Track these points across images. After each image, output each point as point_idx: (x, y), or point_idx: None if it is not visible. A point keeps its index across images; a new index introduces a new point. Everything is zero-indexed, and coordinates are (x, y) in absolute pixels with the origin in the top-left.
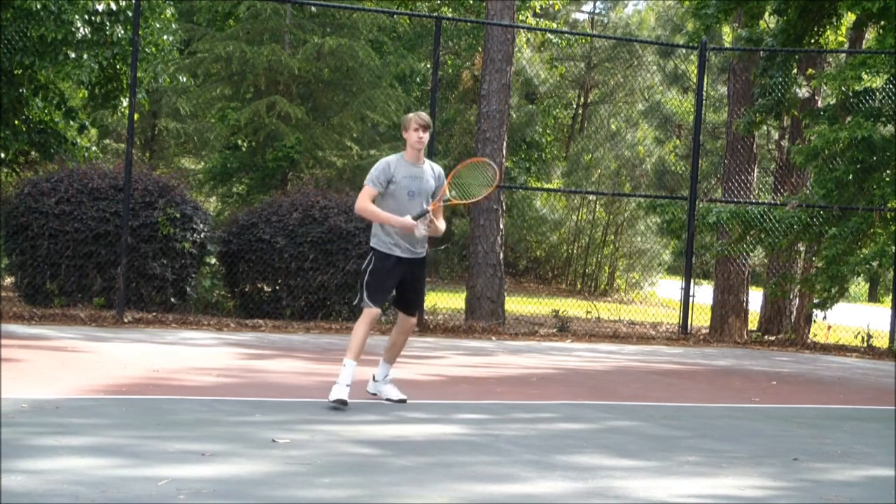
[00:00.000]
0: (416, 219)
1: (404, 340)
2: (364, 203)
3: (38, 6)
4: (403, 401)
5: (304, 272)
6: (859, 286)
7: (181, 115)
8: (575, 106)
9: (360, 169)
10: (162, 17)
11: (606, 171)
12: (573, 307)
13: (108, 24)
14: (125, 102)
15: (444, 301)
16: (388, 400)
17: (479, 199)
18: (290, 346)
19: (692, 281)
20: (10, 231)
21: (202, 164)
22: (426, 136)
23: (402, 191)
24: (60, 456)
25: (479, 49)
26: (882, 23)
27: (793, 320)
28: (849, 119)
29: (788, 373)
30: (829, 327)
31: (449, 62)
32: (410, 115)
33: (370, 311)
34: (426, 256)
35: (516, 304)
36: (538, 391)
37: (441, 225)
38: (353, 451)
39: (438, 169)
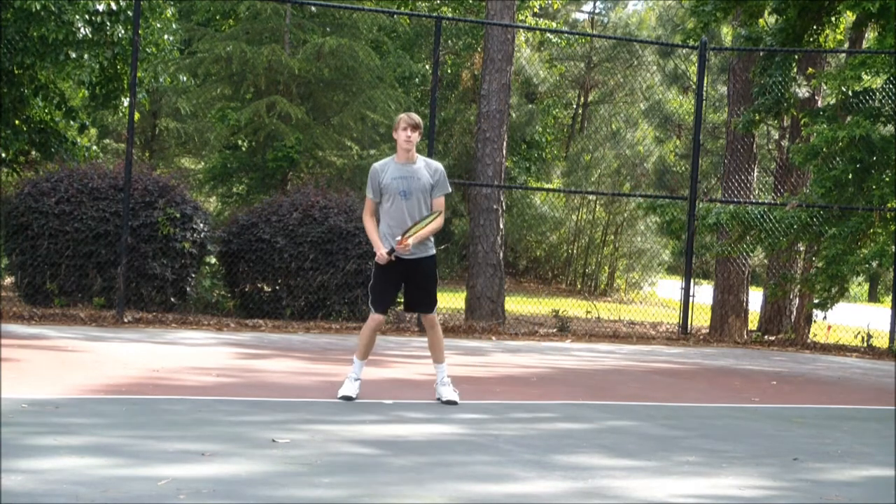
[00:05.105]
0: (389, 253)
1: (434, 337)
2: (364, 217)
3: (39, 6)
4: (453, 403)
5: (304, 272)
6: (859, 286)
7: (181, 115)
8: (575, 106)
9: (360, 169)
10: (162, 17)
11: (606, 171)
12: (573, 307)
13: (108, 24)
14: (125, 102)
15: (444, 301)
16: (438, 400)
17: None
18: (289, 346)
19: (692, 281)
20: (10, 231)
21: (202, 164)
22: (415, 136)
23: (394, 192)
24: (60, 456)
25: (479, 49)
26: (882, 23)
27: (793, 320)
28: (848, 119)
29: (788, 373)
30: (829, 327)
31: (449, 62)
32: (401, 114)
33: (371, 316)
34: (430, 256)
35: (516, 304)
36: (538, 391)
37: (419, 237)
38: (353, 451)
39: (435, 165)
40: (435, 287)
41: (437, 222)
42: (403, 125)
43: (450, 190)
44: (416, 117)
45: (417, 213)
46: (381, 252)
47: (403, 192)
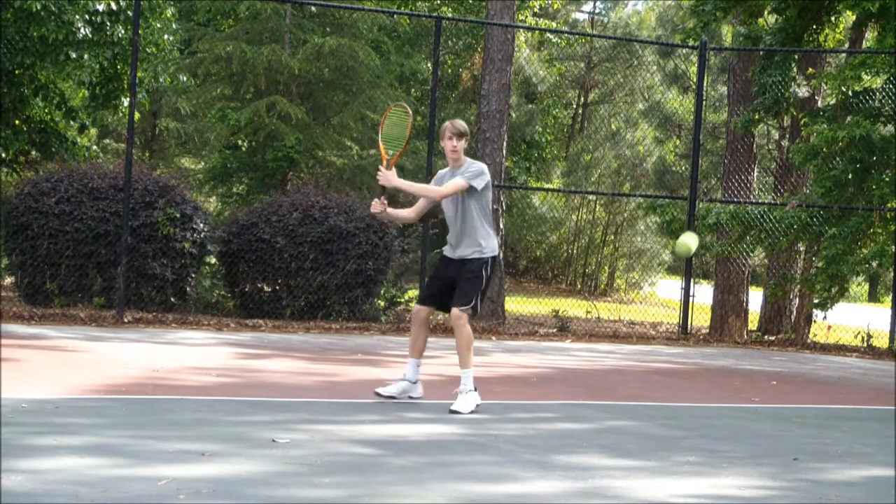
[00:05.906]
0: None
1: (457, 339)
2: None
3: (39, 6)
4: (456, 413)
5: (304, 272)
6: (859, 286)
7: (181, 115)
8: (575, 106)
9: (360, 169)
10: (162, 17)
11: (606, 171)
12: (573, 307)
13: (108, 24)
14: (125, 102)
15: None
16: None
17: (407, 135)
18: (289, 345)
19: (692, 281)
20: (10, 231)
21: (202, 164)
22: (461, 144)
23: (447, 201)
24: (60, 456)
25: (479, 49)
26: (882, 23)
27: (793, 320)
28: (848, 119)
29: (788, 373)
30: (829, 327)
31: (449, 62)
32: (445, 123)
33: (414, 309)
34: (475, 258)
35: (516, 304)
36: (538, 391)
37: (395, 182)
38: (353, 451)
39: (471, 161)
40: (471, 286)
41: (430, 189)
42: (448, 134)
43: (466, 184)
44: (461, 125)
45: (460, 220)
46: (381, 169)
47: (453, 200)
